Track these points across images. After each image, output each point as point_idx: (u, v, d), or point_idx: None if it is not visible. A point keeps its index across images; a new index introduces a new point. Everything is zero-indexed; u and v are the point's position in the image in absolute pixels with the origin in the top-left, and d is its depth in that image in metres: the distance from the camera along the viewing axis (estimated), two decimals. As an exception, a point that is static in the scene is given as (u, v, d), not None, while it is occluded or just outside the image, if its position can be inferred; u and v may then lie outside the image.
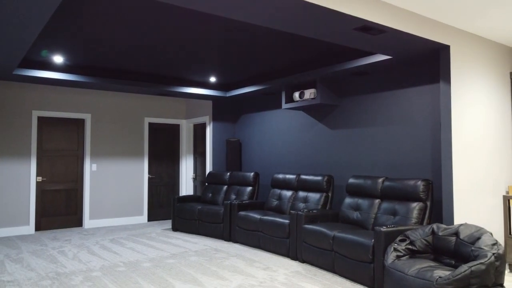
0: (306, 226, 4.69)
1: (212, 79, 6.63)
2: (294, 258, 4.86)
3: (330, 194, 5.41)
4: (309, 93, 5.71)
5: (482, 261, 2.88)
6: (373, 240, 3.78)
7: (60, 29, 4.05)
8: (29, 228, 6.61)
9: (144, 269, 4.41)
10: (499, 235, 4.37)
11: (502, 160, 4.46)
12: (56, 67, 5.67)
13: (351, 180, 4.97)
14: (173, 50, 4.85)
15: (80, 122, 7.21)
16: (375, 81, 5.24)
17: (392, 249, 3.52)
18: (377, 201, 4.60)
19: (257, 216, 5.52)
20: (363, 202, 4.72)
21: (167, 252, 5.20)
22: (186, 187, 8.30)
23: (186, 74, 6.29)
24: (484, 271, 2.86)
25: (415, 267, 3.17)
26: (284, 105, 6.11)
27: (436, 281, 2.93)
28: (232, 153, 7.55)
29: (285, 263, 4.69)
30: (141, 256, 5.00)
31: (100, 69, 5.94)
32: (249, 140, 7.50)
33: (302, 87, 6.01)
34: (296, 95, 5.90)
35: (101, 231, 6.76)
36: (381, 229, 3.68)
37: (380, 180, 4.63)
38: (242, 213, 5.81)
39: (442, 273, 2.99)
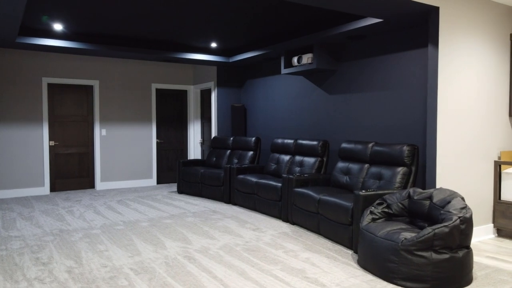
0: (296, 189, 4.81)
1: (215, 45, 6.65)
2: (285, 220, 5.03)
3: (325, 159, 5.48)
4: (306, 58, 5.68)
5: (446, 224, 2.94)
6: (352, 203, 3.88)
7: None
8: (45, 189, 7.03)
9: (140, 228, 4.69)
10: (489, 201, 4.37)
11: (495, 126, 4.38)
12: (60, 34, 5.83)
13: (343, 145, 5.02)
14: (174, 15, 4.89)
15: (89, 89, 7.45)
16: (370, 46, 5.15)
17: (368, 212, 3.61)
18: (366, 165, 4.65)
19: (254, 179, 5.68)
20: (353, 166, 4.77)
21: (167, 213, 5.48)
22: (194, 151, 8.53)
23: (189, 40, 6.34)
24: (447, 234, 2.92)
25: (385, 229, 3.26)
26: (283, 70, 6.11)
27: (402, 242, 3.02)
28: (237, 118, 7.65)
29: (276, 225, 4.87)
30: (141, 216, 5.29)
31: (104, 36, 6.06)
32: (253, 105, 7.57)
33: (301, 52, 5.97)
34: (295, 60, 5.88)
35: (111, 192, 7.13)
36: (360, 192, 3.76)
37: (370, 145, 4.66)
38: (240, 176, 5.98)
39: (409, 235, 3.07)
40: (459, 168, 4.07)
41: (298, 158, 5.78)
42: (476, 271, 3.35)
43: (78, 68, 7.26)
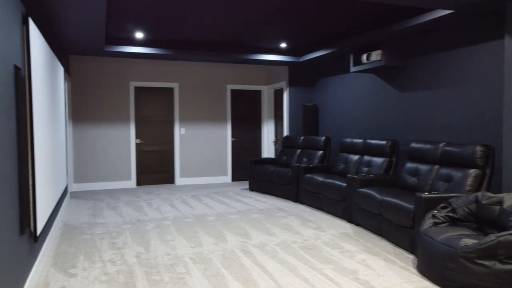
0: (360, 189, 4.70)
1: (285, 45, 6.74)
2: (349, 220, 4.93)
3: (394, 159, 5.26)
4: (375, 55, 5.50)
5: (512, 231, 2.68)
6: (414, 206, 3.69)
7: (146, 8, 4.59)
8: (131, 183, 7.75)
9: (207, 222, 4.97)
10: None
11: None
12: (142, 42, 6.39)
13: (412, 145, 4.77)
14: (244, 18, 5.09)
15: (170, 91, 8.02)
16: (440, 40, 4.82)
17: (430, 215, 3.42)
18: (436, 167, 4.37)
19: (320, 179, 5.66)
20: (422, 167, 4.52)
21: (234, 209, 5.71)
22: (268, 150, 8.71)
23: (260, 42, 6.50)
24: (513, 242, 2.66)
25: (446, 234, 3.07)
26: (352, 68, 5.98)
27: (461, 249, 2.82)
28: (309, 118, 7.65)
29: (338, 225, 4.81)
30: (210, 211, 5.58)
31: (182, 42, 6.50)
32: (324, 104, 7.51)
33: (370, 49, 5.79)
34: (364, 57, 5.72)
35: (188, 188, 7.60)
36: (422, 195, 3.57)
37: (440, 145, 4.37)
38: (307, 175, 5.99)
39: (470, 241, 2.86)
40: (543, 171, 3.64)
41: (366, 158, 5.62)
42: (555, 287, 2.98)
43: (160, 72, 7.87)
